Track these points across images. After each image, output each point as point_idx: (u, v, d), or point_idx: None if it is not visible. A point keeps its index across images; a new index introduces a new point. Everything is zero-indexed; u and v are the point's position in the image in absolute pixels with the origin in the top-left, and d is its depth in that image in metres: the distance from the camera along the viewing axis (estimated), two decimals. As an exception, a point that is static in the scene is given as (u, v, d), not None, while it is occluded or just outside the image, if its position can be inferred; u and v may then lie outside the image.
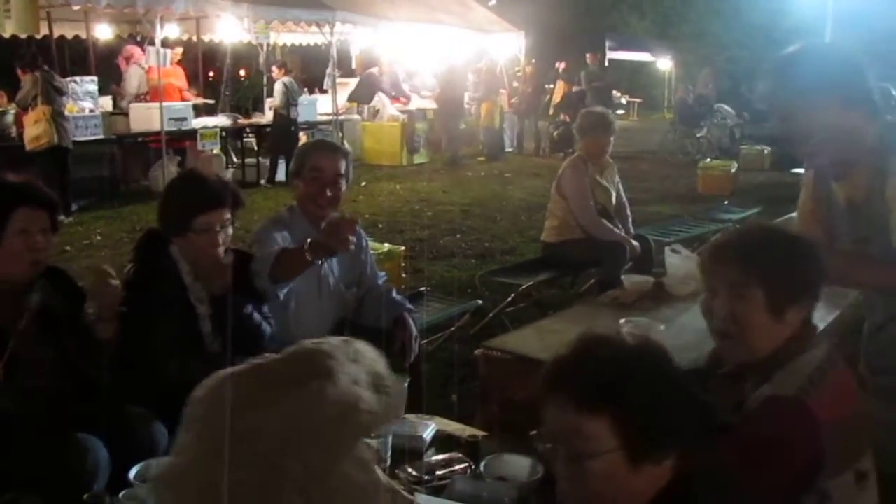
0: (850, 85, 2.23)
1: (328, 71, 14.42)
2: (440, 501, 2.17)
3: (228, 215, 2.96)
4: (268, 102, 13.88)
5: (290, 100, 12.42)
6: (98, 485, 2.37)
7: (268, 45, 15.77)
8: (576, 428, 1.46)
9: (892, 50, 22.47)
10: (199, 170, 3.73)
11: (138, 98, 12.20)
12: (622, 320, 3.45)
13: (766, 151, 15.00)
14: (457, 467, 2.36)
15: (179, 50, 13.43)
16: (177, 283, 2.94)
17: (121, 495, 2.11)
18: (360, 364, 1.25)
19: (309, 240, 3.10)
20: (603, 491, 1.49)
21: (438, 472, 2.33)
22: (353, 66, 16.51)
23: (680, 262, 4.34)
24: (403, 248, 5.92)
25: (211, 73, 17.62)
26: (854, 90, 2.23)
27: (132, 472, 2.15)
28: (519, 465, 2.28)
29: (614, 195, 5.64)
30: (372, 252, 3.93)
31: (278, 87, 12.59)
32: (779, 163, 13.89)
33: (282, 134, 12.50)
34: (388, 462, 2.36)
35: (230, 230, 2.98)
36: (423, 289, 5.18)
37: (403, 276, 5.82)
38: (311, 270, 3.43)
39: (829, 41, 2.66)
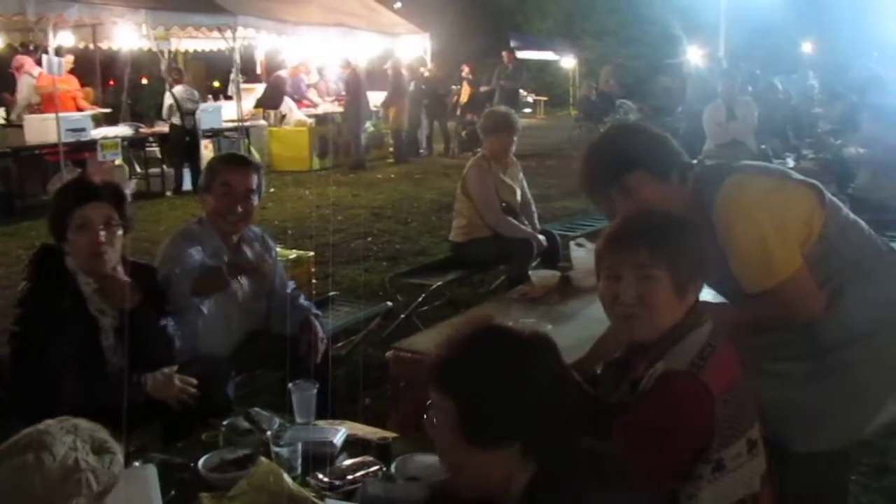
0: (654, 157, 2.43)
1: (232, 77, 14.21)
2: (350, 505, 2.17)
3: (112, 213, 2.87)
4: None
5: (180, 109, 12.20)
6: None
7: (169, 51, 15.47)
8: (433, 401, 1.64)
9: (780, 44, 23.40)
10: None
11: (31, 109, 11.80)
12: (510, 323, 3.50)
13: (668, 145, 15.40)
14: (368, 470, 2.36)
15: (70, 58, 13.02)
16: (75, 296, 2.85)
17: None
18: (77, 434, 1.35)
19: (226, 259, 3.28)
20: (451, 460, 1.67)
21: (350, 477, 2.32)
22: (259, 71, 16.32)
23: (585, 256, 4.41)
24: (312, 253, 5.86)
25: (111, 82, 17.18)
26: (659, 161, 2.42)
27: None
28: (430, 465, 2.28)
29: (519, 193, 5.70)
30: (280, 260, 3.89)
31: (166, 99, 12.41)
32: (680, 155, 14.28)
33: (177, 143, 12.32)
34: (299, 470, 2.34)
35: (119, 233, 2.89)
36: (331, 293, 5.15)
37: (313, 281, 5.75)
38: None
39: (623, 125, 2.95)
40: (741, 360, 2.07)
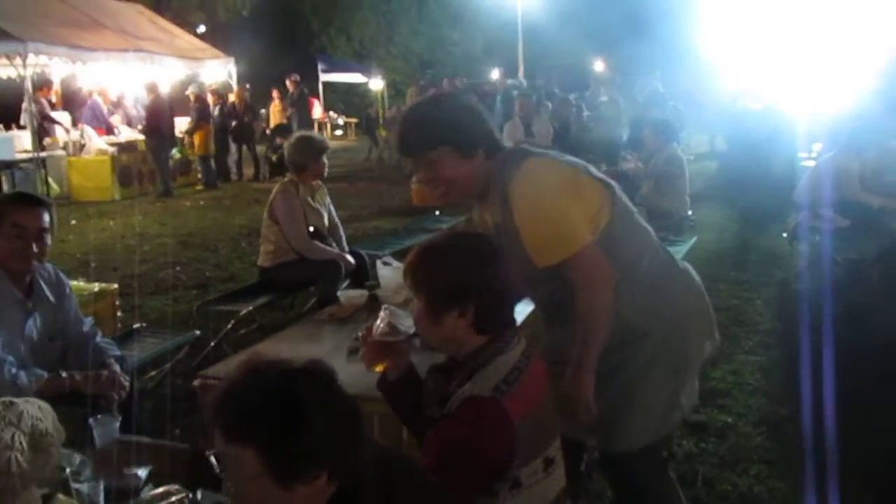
0: (461, 136, 2.53)
1: (24, 105, 13.53)
2: (155, 533, 2.18)
3: None
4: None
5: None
6: None
7: (-50, 79, 14.56)
8: (227, 454, 1.58)
9: (574, 62, 24.67)
10: None
11: None
12: (385, 305, 3.61)
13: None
14: (173, 498, 2.36)
15: None
16: None
17: None
18: (19, 427, 1.30)
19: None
20: None
21: (155, 507, 2.32)
22: (54, 99, 15.59)
23: (391, 273, 4.52)
24: (116, 285, 5.69)
25: None
26: (466, 139, 2.53)
27: None
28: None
29: (326, 216, 5.78)
30: (76, 293, 3.78)
31: None
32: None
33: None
34: (101, 504, 2.32)
35: None
36: (136, 325, 5.03)
37: (119, 314, 5.60)
38: (14, 329, 3.31)
39: (449, 94, 3.01)
40: (546, 377, 2.23)
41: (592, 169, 2.67)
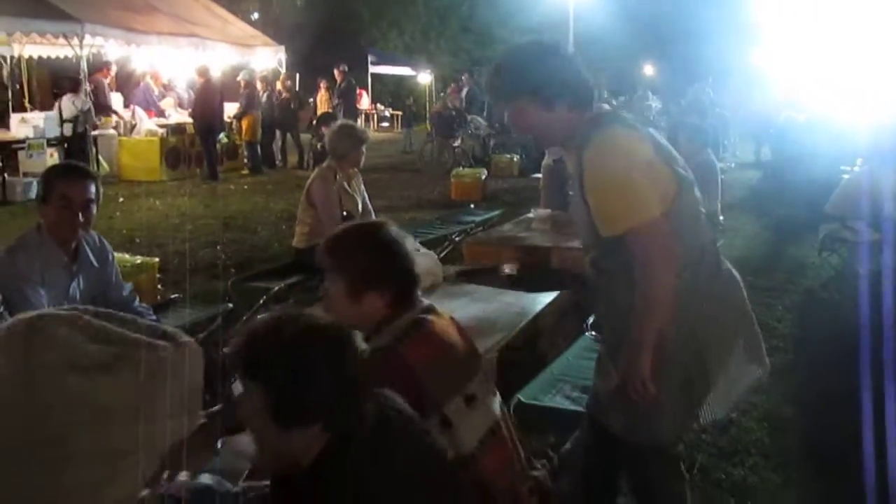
0: (542, 88, 2.60)
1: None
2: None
3: None
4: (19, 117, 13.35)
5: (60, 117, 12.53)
6: None
7: (11, 57, 15.04)
8: (242, 385, 1.80)
9: (623, 66, 24.71)
10: None
11: None
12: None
13: (514, 159, 16.06)
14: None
15: None
16: None
17: None
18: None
19: None
20: (262, 443, 1.86)
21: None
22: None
23: (419, 260, 4.72)
24: (157, 259, 5.96)
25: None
26: (547, 91, 2.60)
27: None
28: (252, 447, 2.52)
29: (360, 202, 6.00)
30: (119, 265, 4.01)
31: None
32: (525, 170, 15.03)
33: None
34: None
35: None
36: (173, 296, 5.28)
37: (159, 287, 5.87)
38: (60, 289, 3.51)
39: (543, 42, 2.92)
40: (459, 330, 2.44)
41: (676, 160, 2.64)
